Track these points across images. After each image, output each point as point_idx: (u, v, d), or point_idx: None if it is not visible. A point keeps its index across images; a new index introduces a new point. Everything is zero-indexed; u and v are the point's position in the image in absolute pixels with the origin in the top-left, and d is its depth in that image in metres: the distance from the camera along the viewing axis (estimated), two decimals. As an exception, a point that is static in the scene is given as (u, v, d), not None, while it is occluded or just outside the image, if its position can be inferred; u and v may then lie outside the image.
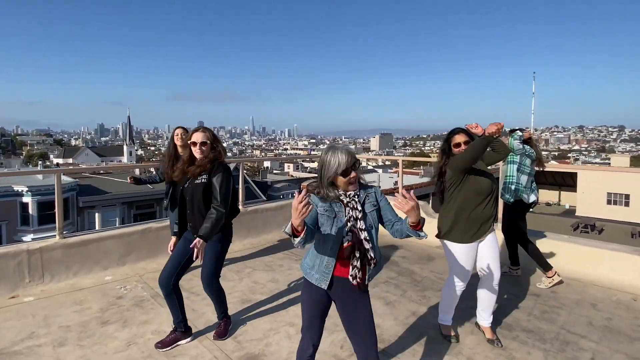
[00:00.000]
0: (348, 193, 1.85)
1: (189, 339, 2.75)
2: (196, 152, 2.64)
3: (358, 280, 1.81)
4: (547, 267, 3.75)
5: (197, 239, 2.47)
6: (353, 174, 1.82)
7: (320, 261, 1.87)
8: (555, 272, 3.73)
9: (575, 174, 23.94)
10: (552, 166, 5.71)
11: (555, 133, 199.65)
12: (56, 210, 3.77)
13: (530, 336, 2.86)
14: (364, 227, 1.82)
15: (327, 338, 2.80)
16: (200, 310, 3.21)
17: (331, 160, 1.81)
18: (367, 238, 1.81)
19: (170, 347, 2.65)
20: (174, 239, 2.82)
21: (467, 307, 3.16)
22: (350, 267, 1.82)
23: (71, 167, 46.82)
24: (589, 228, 20.09)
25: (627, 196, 22.79)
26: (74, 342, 2.72)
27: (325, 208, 1.84)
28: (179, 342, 2.70)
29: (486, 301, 2.81)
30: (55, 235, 3.81)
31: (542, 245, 4.21)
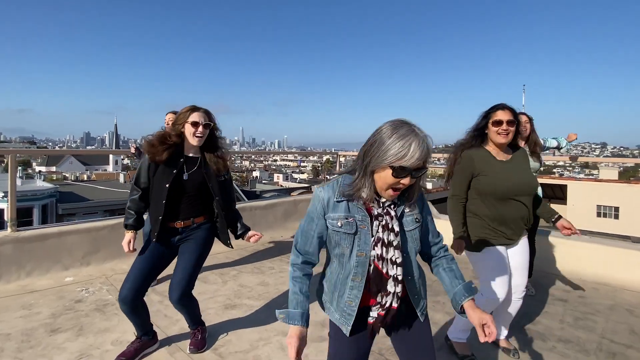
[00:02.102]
0: (382, 201, 1.25)
1: (156, 346, 2.23)
2: (197, 134, 2.11)
3: (377, 322, 1.26)
4: (530, 274, 3.28)
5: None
6: (407, 180, 1.16)
7: (339, 294, 1.30)
8: None
9: (565, 186, 24.01)
10: (544, 178, 5.36)
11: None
12: (8, 197, 3.21)
13: (570, 347, 2.41)
14: (396, 256, 1.23)
15: (327, 350, 2.30)
16: (174, 316, 2.67)
17: (396, 144, 1.13)
18: (398, 276, 1.24)
19: (136, 359, 2.11)
20: (131, 233, 2.14)
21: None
22: (375, 305, 1.27)
23: (53, 176, 45.59)
24: (581, 240, 19.96)
25: (617, 209, 22.83)
26: (12, 353, 2.16)
27: (342, 221, 1.23)
28: (146, 351, 2.18)
29: (505, 316, 2.29)
30: (6, 227, 3.24)
31: (562, 246, 3.80)
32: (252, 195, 33.32)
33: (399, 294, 1.25)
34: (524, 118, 3.15)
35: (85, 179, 40.07)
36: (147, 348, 2.19)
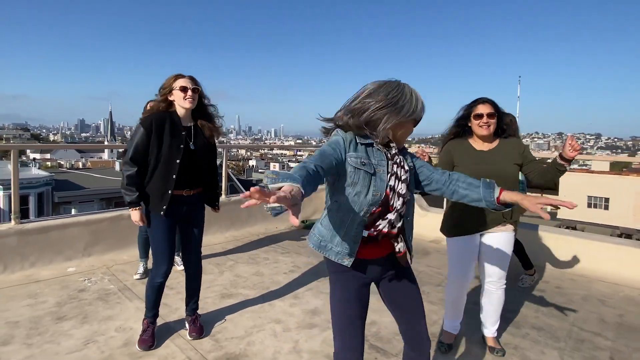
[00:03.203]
0: (392, 146, 1.43)
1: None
2: (187, 98, 2.15)
3: (402, 251, 1.43)
4: (530, 266, 3.46)
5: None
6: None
7: (344, 232, 1.38)
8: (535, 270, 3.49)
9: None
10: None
11: (535, 139, 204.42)
12: (12, 190, 3.32)
13: (542, 334, 2.59)
14: (403, 190, 1.39)
15: (317, 336, 2.47)
16: (174, 305, 2.83)
17: (413, 98, 1.36)
18: (401, 212, 1.40)
19: (155, 343, 2.29)
20: (138, 210, 2.22)
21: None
22: (394, 240, 1.42)
23: (48, 163, 45.26)
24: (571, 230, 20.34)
25: (607, 200, 23.22)
26: (21, 340, 2.31)
27: (362, 160, 1.36)
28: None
29: (486, 307, 2.38)
30: (10, 220, 3.36)
31: (543, 239, 3.99)
32: (249, 185, 33.43)
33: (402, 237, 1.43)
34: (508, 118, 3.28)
35: (81, 166, 39.89)
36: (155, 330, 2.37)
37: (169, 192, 2.19)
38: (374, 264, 1.46)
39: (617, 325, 2.75)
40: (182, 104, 2.19)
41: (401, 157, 1.45)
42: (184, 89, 2.16)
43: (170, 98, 2.21)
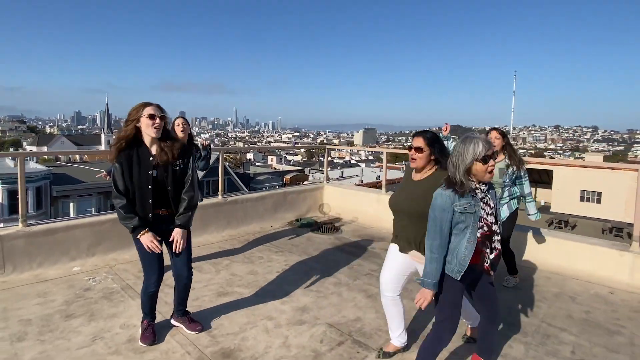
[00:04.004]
0: (482, 187, 1.97)
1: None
2: (155, 126, 2.28)
3: (488, 266, 2.01)
4: (515, 272, 3.66)
5: (179, 229, 2.42)
6: (492, 162, 1.91)
7: (459, 254, 1.95)
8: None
9: (551, 171, 24.60)
10: (531, 163, 5.73)
11: (532, 132, 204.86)
12: (19, 195, 3.51)
13: (512, 329, 2.83)
14: (494, 221, 2.00)
15: (305, 332, 2.70)
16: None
17: (469, 147, 1.89)
18: (497, 231, 2.03)
19: (156, 339, 2.52)
20: (148, 233, 2.36)
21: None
22: (482, 256, 1.99)
23: (45, 157, 45.05)
24: (563, 224, 20.72)
25: (599, 194, 23.58)
26: (34, 336, 2.53)
27: (465, 206, 1.91)
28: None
29: (389, 315, 2.49)
30: (18, 223, 3.56)
31: (524, 239, 4.22)
32: (246, 178, 33.59)
33: (497, 247, 2.03)
34: (494, 134, 3.46)
35: (78, 159, 39.87)
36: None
37: (150, 215, 2.38)
38: (472, 269, 2.02)
39: (582, 322, 2.99)
40: (149, 132, 2.31)
41: (489, 196, 2.04)
42: (152, 117, 2.29)
43: (138, 125, 2.32)
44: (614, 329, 2.89)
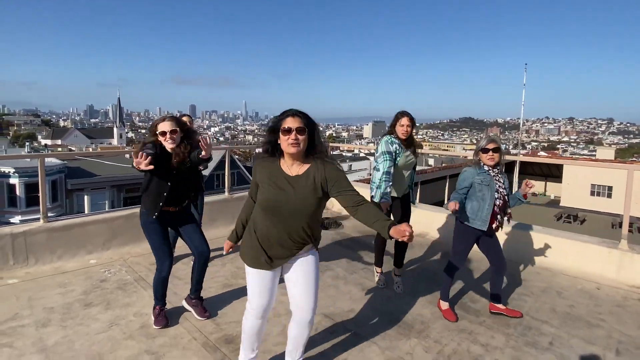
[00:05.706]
0: (495, 170, 2.94)
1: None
2: (167, 141, 2.63)
3: (498, 225, 2.96)
4: (380, 264, 3.67)
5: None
6: (490, 154, 2.87)
7: (482, 213, 2.89)
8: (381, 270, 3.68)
9: (562, 165, 24.35)
10: (541, 158, 5.83)
11: (545, 124, 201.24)
12: (40, 194, 3.80)
13: (496, 321, 3.02)
14: (505, 194, 2.93)
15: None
16: (182, 293, 3.30)
17: (478, 144, 3.01)
18: (508, 202, 2.96)
19: (168, 322, 2.79)
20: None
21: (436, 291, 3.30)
22: (496, 220, 2.93)
23: (59, 149, 46.05)
24: (572, 218, 20.58)
25: (610, 188, 23.31)
26: (57, 323, 2.81)
27: (482, 180, 2.88)
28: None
29: (292, 339, 2.20)
30: (39, 219, 3.85)
31: (517, 235, 4.37)
32: (255, 171, 33.78)
33: (509, 212, 3.02)
34: (405, 121, 3.34)
35: (91, 152, 40.63)
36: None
37: (160, 204, 2.73)
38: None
39: (564, 315, 3.16)
40: (165, 145, 2.66)
41: (499, 176, 3.02)
42: (162, 134, 2.63)
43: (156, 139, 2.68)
44: (595, 322, 3.06)
